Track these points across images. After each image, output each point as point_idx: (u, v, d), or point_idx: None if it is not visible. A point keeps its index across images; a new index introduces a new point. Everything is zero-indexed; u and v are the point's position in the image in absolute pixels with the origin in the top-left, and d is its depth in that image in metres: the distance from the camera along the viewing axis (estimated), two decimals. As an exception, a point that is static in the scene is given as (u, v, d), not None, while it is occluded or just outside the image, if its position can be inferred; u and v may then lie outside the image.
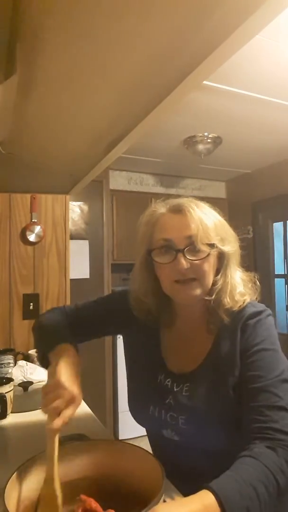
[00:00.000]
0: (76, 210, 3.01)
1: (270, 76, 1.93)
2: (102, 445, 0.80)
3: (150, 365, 0.94)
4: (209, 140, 2.79)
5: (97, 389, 2.94)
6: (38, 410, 1.28)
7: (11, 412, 1.24)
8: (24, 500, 0.67)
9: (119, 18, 0.72)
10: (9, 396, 1.22)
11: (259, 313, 0.86)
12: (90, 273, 3.03)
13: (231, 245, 0.87)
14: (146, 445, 0.75)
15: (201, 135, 2.74)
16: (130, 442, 0.83)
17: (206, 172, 3.67)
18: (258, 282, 0.92)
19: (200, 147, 2.83)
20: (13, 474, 0.67)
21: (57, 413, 0.72)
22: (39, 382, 1.56)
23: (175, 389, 0.87)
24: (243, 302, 0.87)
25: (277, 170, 3.47)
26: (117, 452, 0.76)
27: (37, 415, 1.25)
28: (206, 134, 2.73)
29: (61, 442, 0.72)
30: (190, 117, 2.43)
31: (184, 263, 0.82)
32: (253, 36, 0.76)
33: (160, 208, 0.90)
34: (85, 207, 3.07)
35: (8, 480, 0.64)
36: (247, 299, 0.88)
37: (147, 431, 0.97)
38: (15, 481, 0.66)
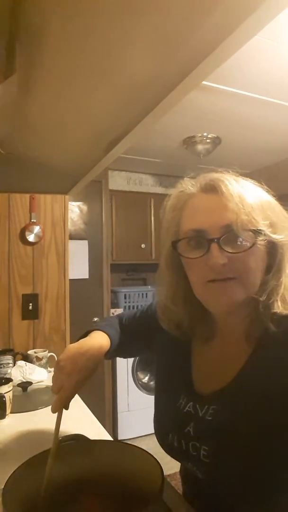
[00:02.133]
0: (75, 210, 3.01)
1: (270, 76, 1.93)
2: (100, 445, 0.79)
3: (174, 387, 0.78)
4: (208, 141, 2.79)
5: (96, 390, 2.93)
6: (37, 410, 1.28)
7: (10, 413, 1.24)
8: (24, 500, 0.67)
9: (119, 18, 0.72)
10: (8, 397, 1.22)
11: None
12: (89, 273, 3.03)
13: (285, 233, 0.65)
14: (145, 445, 0.74)
15: (200, 135, 2.75)
16: (129, 442, 0.83)
17: (205, 172, 3.66)
18: None
19: (199, 147, 2.84)
20: (12, 474, 0.66)
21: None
22: (38, 382, 1.56)
23: (200, 414, 0.70)
24: None
25: (276, 171, 3.47)
26: (116, 453, 0.76)
27: (36, 415, 1.25)
28: (205, 134, 2.74)
29: (59, 443, 0.73)
30: (189, 117, 2.43)
31: (220, 256, 0.62)
32: (252, 36, 0.75)
33: (189, 187, 0.71)
34: (84, 207, 3.06)
35: (7, 481, 0.64)
36: None
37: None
38: (14, 482, 0.66)
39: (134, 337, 0.95)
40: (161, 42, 0.78)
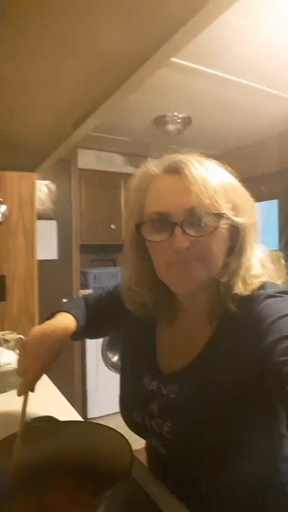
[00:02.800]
0: (43, 189, 2.93)
1: (243, 57, 1.92)
2: (70, 426, 0.80)
3: (139, 367, 0.80)
4: (179, 121, 2.77)
5: (65, 370, 2.94)
6: (5, 393, 1.27)
7: (-23, 396, 1.22)
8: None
9: (86, -14, 0.69)
10: (-26, 380, 1.20)
11: (281, 294, 0.65)
12: (58, 254, 2.98)
13: (247, 215, 0.66)
14: (114, 423, 0.75)
15: (170, 114, 2.72)
16: (99, 420, 0.84)
17: (176, 153, 3.65)
18: (283, 261, 0.74)
19: (170, 127, 2.81)
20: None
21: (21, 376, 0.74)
22: (6, 365, 1.54)
23: (164, 392, 0.73)
24: (258, 284, 0.68)
25: (246, 153, 3.51)
26: (85, 433, 0.77)
27: (3, 398, 1.24)
28: (176, 114, 2.71)
29: (28, 425, 0.73)
30: (160, 96, 2.39)
31: (183, 240, 0.62)
32: (222, 12, 0.74)
33: (153, 167, 0.70)
34: (53, 187, 2.99)
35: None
36: (264, 280, 0.69)
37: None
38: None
39: (100, 318, 0.95)
40: (130, 15, 0.76)
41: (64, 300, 2.90)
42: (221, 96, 2.39)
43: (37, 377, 0.74)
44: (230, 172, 0.71)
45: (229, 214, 0.64)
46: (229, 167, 0.72)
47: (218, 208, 0.63)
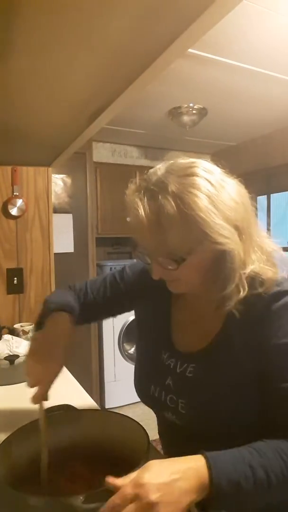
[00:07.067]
0: (59, 183, 2.95)
1: (259, 46, 1.88)
2: (88, 414, 0.82)
3: (156, 342, 0.86)
4: (194, 112, 2.74)
5: (83, 360, 2.98)
6: (24, 383, 1.30)
7: (-2, 385, 1.25)
8: (12, 470, 0.69)
9: (101, -21, 0.69)
10: (-5, 370, 1.23)
11: (282, 295, 0.69)
12: (74, 247, 3.01)
13: (223, 238, 0.64)
14: (132, 413, 0.77)
15: (186, 106, 2.69)
16: (117, 410, 0.86)
17: (191, 144, 3.62)
18: (284, 254, 0.76)
19: (185, 118, 2.78)
20: (2, 442, 0.68)
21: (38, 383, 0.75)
22: (25, 355, 1.58)
23: (178, 370, 0.79)
24: (261, 281, 0.69)
25: (262, 143, 3.45)
26: (103, 421, 0.79)
27: (23, 388, 1.27)
28: (191, 105, 2.68)
29: (47, 412, 0.75)
30: (175, 87, 2.37)
31: (156, 273, 0.71)
32: (239, 1, 0.73)
33: (133, 193, 0.72)
34: (68, 180, 3.01)
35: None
36: (263, 273, 0.70)
37: (154, 412, 0.89)
38: (1, 454, 0.67)
39: (109, 299, 0.96)
40: (145, 8, 0.75)
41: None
42: (237, 86, 2.36)
43: (50, 387, 0.76)
44: (227, 172, 0.73)
45: (195, 250, 0.66)
46: (225, 167, 0.73)
47: (174, 253, 0.67)
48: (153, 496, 0.51)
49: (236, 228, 0.67)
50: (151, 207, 0.66)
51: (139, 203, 0.67)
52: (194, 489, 0.55)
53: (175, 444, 0.85)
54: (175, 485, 0.53)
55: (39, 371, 0.76)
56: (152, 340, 0.88)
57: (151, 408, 0.87)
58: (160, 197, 0.65)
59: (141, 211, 0.66)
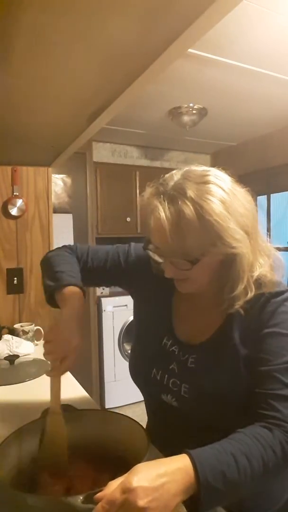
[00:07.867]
0: (59, 183, 2.95)
1: (259, 46, 1.88)
2: (88, 414, 0.82)
3: (157, 327, 0.90)
4: (194, 112, 2.74)
5: (83, 360, 2.98)
6: (24, 383, 1.30)
7: (-2, 385, 1.25)
8: (13, 469, 0.69)
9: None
10: (-5, 370, 1.23)
11: (281, 293, 0.77)
12: (74, 247, 3.01)
13: (236, 242, 0.70)
14: (132, 413, 0.77)
15: (186, 106, 2.69)
16: (117, 410, 0.86)
17: (191, 144, 3.62)
18: (281, 259, 0.81)
19: (185, 118, 2.78)
20: (2, 442, 0.68)
21: (58, 361, 0.77)
22: (25, 355, 1.58)
23: (181, 358, 0.84)
24: (260, 283, 0.77)
25: (262, 143, 3.45)
26: (103, 421, 0.79)
27: (23, 388, 1.27)
28: (191, 105, 2.68)
29: (43, 415, 0.75)
30: (175, 87, 2.37)
31: (168, 272, 0.77)
32: (239, 1, 0.73)
33: (152, 197, 0.76)
34: (68, 180, 3.01)
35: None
36: (267, 276, 0.77)
37: (145, 395, 0.94)
38: (2, 453, 0.67)
39: (109, 274, 0.98)
40: (146, 7, 0.75)
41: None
42: (237, 86, 2.36)
43: (74, 360, 0.78)
44: (230, 174, 0.77)
45: (207, 252, 0.72)
46: (227, 170, 0.78)
47: (189, 255, 0.72)
48: (141, 502, 0.52)
49: (246, 233, 0.73)
50: (171, 210, 0.70)
51: (160, 207, 0.71)
52: (182, 490, 0.57)
53: (163, 425, 0.89)
54: (163, 488, 0.55)
55: (64, 344, 0.77)
56: (153, 325, 0.92)
57: (148, 390, 0.91)
58: (179, 202, 0.70)
59: (163, 215, 0.70)
